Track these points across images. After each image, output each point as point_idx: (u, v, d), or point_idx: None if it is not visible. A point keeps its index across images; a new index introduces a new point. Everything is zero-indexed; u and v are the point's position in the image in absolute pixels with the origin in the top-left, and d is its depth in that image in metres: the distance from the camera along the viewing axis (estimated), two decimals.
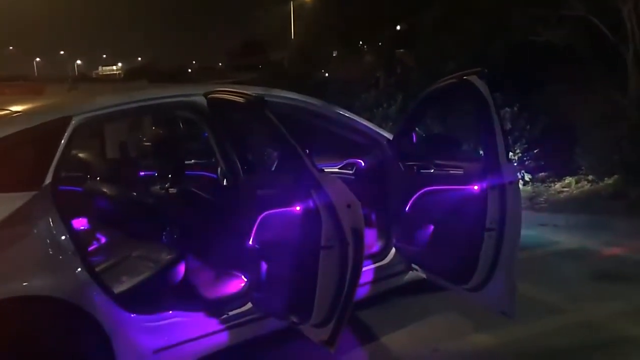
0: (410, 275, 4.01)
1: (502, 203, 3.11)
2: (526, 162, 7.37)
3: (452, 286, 3.55)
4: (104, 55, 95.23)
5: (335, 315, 2.69)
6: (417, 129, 3.95)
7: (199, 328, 3.13)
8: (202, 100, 3.24)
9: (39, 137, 2.76)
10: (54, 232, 2.65)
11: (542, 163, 7.43)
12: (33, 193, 2.63)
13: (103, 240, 3.85)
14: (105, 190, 3.96)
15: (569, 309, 4.02)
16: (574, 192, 6.86)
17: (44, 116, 2.83)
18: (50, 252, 2.62)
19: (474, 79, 3.08)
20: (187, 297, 3.27)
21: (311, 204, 2.56)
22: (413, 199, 3.75)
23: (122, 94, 3.22)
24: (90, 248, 3.70)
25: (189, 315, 3.12)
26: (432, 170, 3.62)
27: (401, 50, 12.37)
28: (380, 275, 3.92)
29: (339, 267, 2.63)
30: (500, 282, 3.20)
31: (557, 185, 7.13)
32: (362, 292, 3.79)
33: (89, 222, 4.02)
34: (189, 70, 50.89)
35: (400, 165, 3.86)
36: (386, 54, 12.41)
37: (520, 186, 7.03)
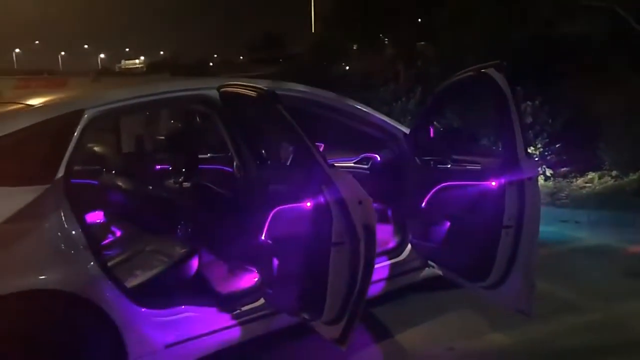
0: (427, 272, 3.96)
1: (521, 200, 3.03)
2: (547, 157, 7.23)
3: (469, 284, 3.48)
4: (127, 49, 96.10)
5: (347, 312, 2.64)
6: (435, 123, 3.87)
7: (210, 323, 3.12)
8: (215, 94, 3.21)
9: (51, 131, 2.75)
10: (66, 225, 2.64)
11: (564, 158, 7.29)
12: (45, 187, 2.63)
13: (118, 233, 3.87)
14: (120, 183, 3.98)
15: (589, 307, 3.93)
16: (597, 187, 6.72)
17: (56, 110, 2.83)
18: (61, 246, 2.62)
19: (491, 71, 3.00)
20: (199, 292, 3.25)
21: (322, 199, 2.52)
22: (429, 194, 3.68)
23: (135, 88, 3.20)
24: (105, 242, 3.73)
25: (201, 310, 3.11)
26: (449, 166, 3.54)
27: (422, 42, 12.22)
28: (395, 271, 3.86)
29: (350, 264, 2.59)
30: (518, 280, 3.12)
31: (580, 181, 6.99)
32: (376, 288, 3.77)
33: (104, 215, 4.03)
34: (211, 64, 51.17)
35: (417, 160, 3.79)
36: (406, 47, 12.27)
37: (541, 181, 6.96)
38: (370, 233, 2.59)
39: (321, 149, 4.64)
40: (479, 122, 6.11)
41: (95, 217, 4.07)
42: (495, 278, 3.21)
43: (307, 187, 2.60)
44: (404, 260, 3.90)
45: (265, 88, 2.79)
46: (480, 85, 3.24)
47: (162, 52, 79.25)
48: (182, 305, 3.07)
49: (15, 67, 62.08)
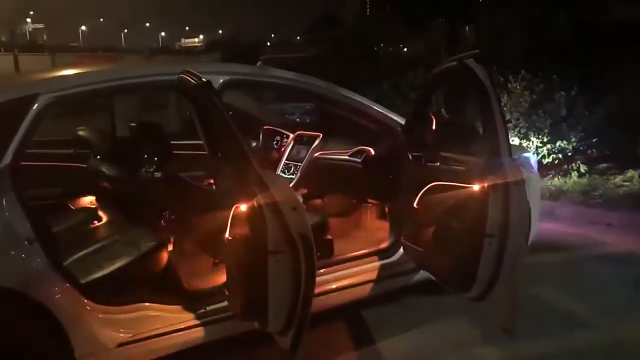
0: (422, 274, 3.69)
1: (506, 207, 2.72)
2: (582, 152, 6.73)
3: (455, 293, 3.20)
4: (187, 28, 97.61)
5: (294, 324, 2.43)
6: (433, 114, 3.55)
7: (171, 322, 2.96)
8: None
9: None
10: (7, 216, 2.52)
11: (602, 153, 6.75)
12: None
13: (95, 222, 3.77)
14: (104, 169, 3.86)
15: (601, 324, 3.57)
16: (635, 187, 6.17)
17: (5, 94, 2.70)
18: (3, 238, 2.50)
19: (471, 62, 2.68)
20: (163, 288, 3.10)
21: (256, 204, 2.30)
22: (420, 194, 3.40)
23: (99, 72, 3.05)
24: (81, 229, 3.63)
25: (162, 308, 2.96)
26: (437, 164, 3.24)
27: (465, 26, 11.66)
28: (386, 273, 3.63)
29: (291, 274, 2.37)
30: (501, 295, 2.82)
31: (617, 179, 6.45)
32: (364, 290, 3.57)
33: (80, 202, 3.96)
34: (268, 43, 51.31)
35: (409, 155, 3.51)
36: (448, 30, 11.73)
37: (575, 178, 6.48)
38: (307, 242, 2.35)
39: (319, 140, 4.45)
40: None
41: (73, 203, 4.01)
42: (477, 291, 2.92)
43: (242, 190, 2.38)
44: (396, 261, 3.65)
45: (202, 78, 2.56)
46: (462, 77, 2.92)
47: (220, 31, 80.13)
48: (142, 302, 2.93)
49: (81, 44, 64.12)
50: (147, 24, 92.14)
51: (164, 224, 3.75)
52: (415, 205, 3.44)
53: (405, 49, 15.58)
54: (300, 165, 4.43)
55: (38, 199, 4.05)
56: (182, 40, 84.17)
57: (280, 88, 3.66)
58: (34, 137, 2.72)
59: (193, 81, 2.56)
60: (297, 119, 6.58)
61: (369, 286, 3.59)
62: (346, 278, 3.52)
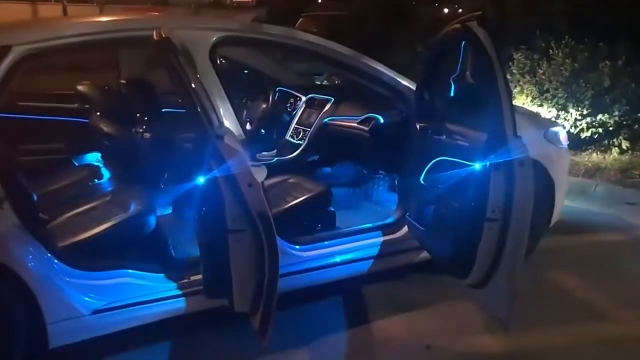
0: (427, 253, 3.46)
1: (509, 189, 2.45)
2: (625, 127, 6.24)
3: (452, 278, 2.97)
4: None
5: (261, 305, 2.26)
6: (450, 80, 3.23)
7: (151, 291, 2.84)
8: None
9: None
10: None
11: None
12: None
13: (92, 179, 3.67)
14: (103, 126, 3.74)
15: (620, 316, 3.29)
16: None
17: None
18: None
19: (473, 25, 2.37)
20: (146, 254, 2.98)
21: (213, 178, 2.10)
22: (426, 169, 3.14)
23: (78, 24, 2.87)
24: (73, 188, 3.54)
25: (143, 275, 2.84)
26: (443, 137, 2.97)
27: None
28: (389, 249, 3.42)
29: (253, 253, 2.18)
30: (500, 284, 2.58)
31: None
32: (363, 266, 3.39)
33: (84, 159, 3.86)
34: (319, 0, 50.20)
35: (417, 126, 3.24)
36: None
37: (615, 154, 6.04)
38: (266, 221, 2.15)
39: (330, 104, 4.20)
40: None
41: (78, 159, 3.92)
42: (476, 278, 2.68)
43: (200, 161, 2.19)
44: (400, 237, 3.44)
45: (162, 32, 2.34)
46: (466, 41, 2.61)
47: None
48: (122, 268, 2.82)
49: None
50: None
51: (162, 186, 3.63)
52: (421, 180, 3.20)
53: (446, 10, 14.85)
54: (309, 131, 4.20)
55: (42, 154, 4.03)
56: None
57: (286, 48, 3.43)
58: (6, 91, 2.58)
59: (154, 38, 2.34)
60: (325, 80, 6.33)
61: (371, 261, 3.40)
62: (347, 252, 3.34)
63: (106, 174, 3.77)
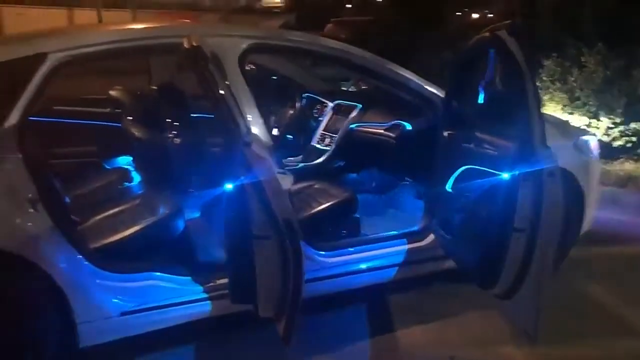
0: (453, 262, 3.44)
1: (537, 200, 2.42)
2: None
3: (478, 288, 2.94)
4: None
5: (286, 312, 2.28)
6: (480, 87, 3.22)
7: (179, 294, 2.89)
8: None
9: (3, 75, 2.58)
10: (10, 176, 2.48)
11: None
12: None
13: (122, 182, 3.74)
14: (134, 131, 3.80)
15: None
16: None
17: (11, 52, 2.64)
18: (1, 198, 2.46)
19: (502, 34, 2.36)
20: (175, 257, 3.02)
21: (241, 184, 2.13)
22: (453, 177, 3.12)
23: (112, 32, 2.94)
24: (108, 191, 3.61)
25: (171, 278, 2.88)
26: (472, 145, 2.95)
27: None
28: (414, 257, 3.41)
29: (279, 259, 2.20)
30: (527, 295, 2.55)
31: None
32: (388, 274, 3.40)
33: (116, 162, 3.93)
34: (349, 5, 50.18)
35: (446, 133, 3.22)
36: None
37: None
38: (291, 228, 2.17)
39: (356, 111, 4.21)
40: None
41: (109, 163, 3.99)
42: (502, 289, 2.66)
43: (228, 167, 2.22)
44: (426, 246, 3.42)
45: (192, 41, 2.37)
46: (495, 50, 2.60)
47: None
48: (151, 270, 2.87)
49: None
50: None
51: (191, 191, 3.67)
52: (448, 188, 3.18)
53: (476, 15, 14.81)
54: (335, 137, 4.22)
55: (75, 157, 4.12)
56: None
57: (313, 55, 3.46)
58: (42, 96, 2.66)
59: (185, 46, 2.39)
60: (352, 86, 6.34)
61: (396, 269, 3.40)
62: (372, 259, 3.34)
63: (136, 177, 3.85)
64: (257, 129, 2.85)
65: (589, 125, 6.12)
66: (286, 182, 2.27)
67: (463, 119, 3.11)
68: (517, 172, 2.46)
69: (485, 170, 2.84)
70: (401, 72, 3.42)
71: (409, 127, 3.64)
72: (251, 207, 2.19)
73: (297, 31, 3.41)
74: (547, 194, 2.41)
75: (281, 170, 2.30)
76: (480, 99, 2.91)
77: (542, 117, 2.41)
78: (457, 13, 16.57)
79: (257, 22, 33.60)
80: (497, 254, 2.61)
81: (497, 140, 2.77)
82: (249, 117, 2.78)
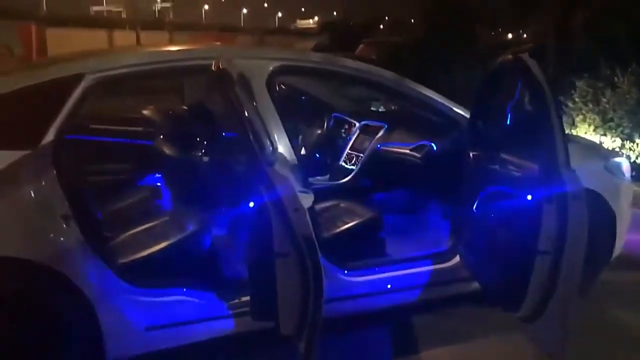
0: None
1: (562, 222, 2.40)
2: None
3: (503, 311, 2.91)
4: (302, 9, 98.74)
5: (305, 329, 2.30)
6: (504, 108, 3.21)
7: (204, 310, 2.94)
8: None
9: (41, 95, 2.69)
10: (44, 192, 2.58)
11: None
12: (25, 152, 2.58)
13: (152, 201, 3.83)
14: (165, 149, 3.90)
15: None
16: None
17: (51, 73, 2.76)
18: (35, 213, 2.56)
19: (525, 56, 2.37)
20: (201, 273, 3.07)
21: (262, 203, 2.18)
22: (479, 198, 3.11)
23: (145, 54, 3.05)
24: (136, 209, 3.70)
25: (197, 294, 2.94)
26: (496, 166, 2.94)
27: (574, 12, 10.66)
28: (440, 279, 3.39)
29: (300, 277, 2.23)
30: (552, 318, 2.52)
31: None
32: (412, 295, 3.38)
33: (147, 180, 4.03)
34: (381, 26, 50.62)
35: (470, 154, 3.23)
36: (552, 18, 10.77)
37: None
38: (311, 245, 2.19)
39: (382, 131, 4.24)
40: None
41: (141, 180, 4.09)
42: (527, 312, 2.63)
43: (250, 187, 2.26)
44: (451, 267, 3.40)
45: (221, 64, 2.45)
46: (517, 72, 2.60)
47: (334, 13, 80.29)
48: (177, 286, 2.93)
49: (204, 21, 66.86)
50: (265, 5, 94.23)
51: (219, 208, 3.73)
52: (474, 209, 3.18)
53: (509, 35, 14.76)
54: (362, 157, 4.25)
55: (108, 174, 4.24)
56: (298, 21, 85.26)
57: (340, 77, 3.51)
58: (78, 116, 2.77)
59: (213, 68, 2.46)
60: (382, 106, 6.38)
61: (420, 290, 3.38)
62: (397, 279, 3.34)
63: (167, 194, 3.94)
64: (283, 148, 2.92)
65: (622, 147, 6.02)
66: (307, 201, 2.31)
67: (488, 140, 3.11)
68: (541, 194, 2.45)
69: (510, 191, 2.83)
70: (426, 93, 3.45)
71: (434, 147, 3.64)
72: (272, 224, 2.23)
73: (326, 53, 3.44)
74: (572, 217, 2.39)
75: (303, 190, 2.34)
76: (505, 121, 2.91)
77: (566, 139, 2.41)
78: (491, 33, 16.52)
79: (291, 44, 34.37)
80: (521, 276, 2.59)
81: (521, 161, 2.76)
82: (276, 137, 2.85)
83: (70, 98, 2.71)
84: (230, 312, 2.95)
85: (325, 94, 4.89)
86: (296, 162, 2.93)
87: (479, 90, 3.10)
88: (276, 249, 2.22)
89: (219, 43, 4.38)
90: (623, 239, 3.83)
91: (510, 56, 2.60)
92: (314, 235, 2.23)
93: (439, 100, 3.47)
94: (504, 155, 2.90)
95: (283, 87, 4.95)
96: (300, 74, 3.76)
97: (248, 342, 3.05)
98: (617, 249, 3.78)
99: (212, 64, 2.59)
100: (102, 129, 4.28)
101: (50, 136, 2.65)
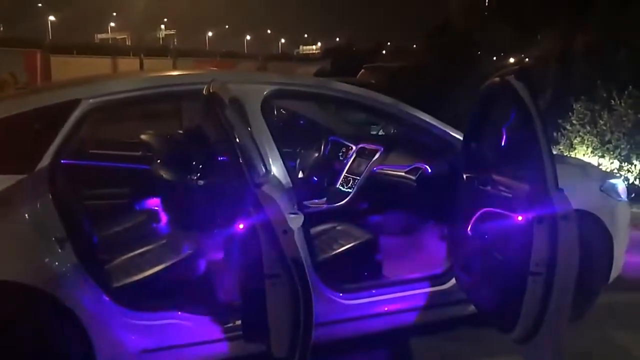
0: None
1: (552, 243, 2.41)
2: None
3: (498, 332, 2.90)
4: (305, 35, 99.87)
5: (297, 352, 2.29)
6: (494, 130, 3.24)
7: (198, 333, 2.93)
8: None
9: (38, 120, 2.73)
10: (39, 216, 2.60)
11: None
12: (21, 176, 2.61)
13: (151, 224, 3.85)
14: (162, 174, 3.93)
15: None
16: None
17: (47, 99, 2.81)
18: (29, 236, 2.58)
19: (511, 79, 2.40)
20: (195, 297, 3.08)
21: (250, 224, 2.19)
22: (473, 219, 3.12)
23: (139, 79, 3.10)
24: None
25: (191, 318, 2.93)
26: (488, 188, 2.96)
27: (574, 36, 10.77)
28: (436, 301, 3.38)
29: (290, 299, 2.24)
30: (545, 341, 2.51)
31: None
32: (410, 317, 3.37)
33: (145, 204, 4.05)
34: (383, 51, 51.10)
35: (464, 176, 3.24)
36: (558, 40, 10.87)
37: None
38: (299, 267, 2.20)
39: (379, 154, 4.26)
40: None
41: (139, 204, 4.12)
42: (520, 333, 2.62)
43: (241, 209, 2.29)
44: (448, 289, 3.40)
45: (211, 88, 2.48)
46: (505, 95, 2.63)
47: (337, 39, 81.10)
48: (172, 310, 2.93)
49: (208, 48, 67.73)
50: (269, 31, 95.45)
51: (215, 231, 3.75)
52: (468, 231, 3.18)
53: (511, 60, 14.85)
54: (358, 179, 4.28)
55: (107, 198, 4.27)
56: (301, 47, 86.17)
57: (334, 100, 3.56)
58: (74, 140, 2.80)
59: (204, 92, 2.50)
60: (381, 130, 6.42)
61: (417, 313, 3.37)
62: (393, 302, 3.33)
63: (164, 218, 3.96)
64: (277, 171, 2.95)
65: (620, 169, 6.03)
66: (296, 222, 2.33)
67: (481, 162, 3.13)
68: (530, 215, 2.46)
69: (502, 213, 2.84)
70: (420, 116, 3.48)
71: (429, 170, 3.66)
72: (262, 246, 2.24)
73: (323, 77, 3.49)
74: (562, 237, 2.39)
75: (293, 211, 2.35)
76: (496, 142, 2.93)
77: (554, 159, 2.42)
78: (493, 57, 16.62)
79: (293, 69, 34.73)
80: (514, 297, 2.58)
81: (512, 182, 2.78)
82: (270, 160, 2.88)
83: (66, 123, 2.75)
84: (225, 335, 2.95)
85: (323, 118, 4.94)
86: (290, 184, 2.95)
87: (472, 112, 3.13)
88: (266, 270, 2.23)
89: (215, 68, 4.44)
90: (622, 260, 3.81)
91: (497, 78, 2.64)
92: (302, 257, 2.24)
93: (433, 123, 3.50)
94: (495, 177, 2.91)
95: (282, 111, 5.02)
96: (294, 97, 3.81)
97: None
98: (616, 271, 3.76)
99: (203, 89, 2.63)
100: (99, 154, 4.33)
101: (46, 160, 2.68)
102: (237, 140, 2.32)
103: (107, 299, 2.75)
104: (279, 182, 2.68)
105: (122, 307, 2.79)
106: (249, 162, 2.33)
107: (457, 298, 3.39)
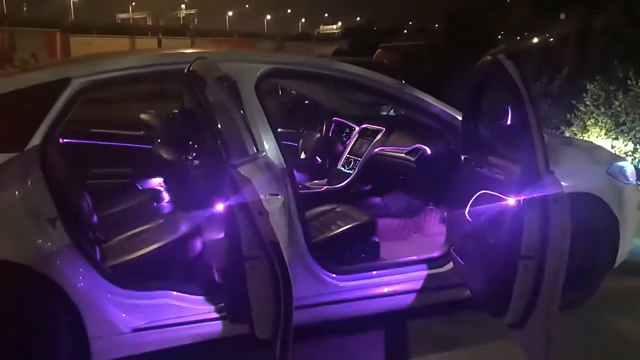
0: None
1: (544, 227, 2.34)
2: None
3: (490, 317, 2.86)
4: (326, 14, 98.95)
5: (279, 334, 2.28)
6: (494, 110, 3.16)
7: (191, 313, 2.93)
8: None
9: (28, 99, 2.73)
10: (30, 194, 2.60)
11: None
12: (11, 154, 2.61)
13: (152, 204, 3.86)
14: (162, 153, 3.93)
15: None
16: None
17: (37, 77, 2.80)
18: (20, 215, 2.58)
19: (502, 58, 2.32)
20: (188, 276, 3.08)
21: (228, 206, 2.17)
22: (470, 202, 3.06)
23: (131, 58, 3.07)
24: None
25: (184, 297, 2.93)
26: (484, 169, 2.89)
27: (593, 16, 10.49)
28: (433, 284, 3.34)
29: (269, 280, 2.21)
30: (536, 325, 2.46)
31: None
32: (407, 300, 3.33)
33: (148, 183, 4.06)
34: (405, 31, 50.50)
35: (462, 157, 3.18)
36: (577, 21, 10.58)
37: None
38: (276, 249, 2.17)
39: (381, 134, 4.20)
40: None
41: (142, 184, 4.13)
42: (512, 318, 2.57)
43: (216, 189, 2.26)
44: (446, 272, 3.35)
45: (192, 67, 2.44)
46: (496, 75, 2.55)
47: (358, 18, 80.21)
48: (164, 288, 2.93)
49: (228, 28, 67.63)
50: (289, 10, 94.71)
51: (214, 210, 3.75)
52: (465, 213, 3.12)
53: (535, 39, 14.52)
54: (359, 160, 4.23)
55: (110, 178, 4.29)
56: (321, 27, 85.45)
57: (333, 80, 3.50)
58: (65, 119, 2.79)
59: (186, 70, 2.46)
60: (391, 110, 6.33)
61: (413, 295, 3.34)
62: (389, 284, 3.30)
63: (164, 198, 3.96)
64: (271, 151, 2.91)
65: (635, 151, 5.87)
66: (275, 204, 2.30)
67: (477, 143, 3.06)
68: (522, 198, 2.40)
69: (493, 195, 2.78)
70: (421, 97, 3.40)
71: (428, 151, 3.60)
72: (240, 227, 2.22)
73: (326, 58, 3.43)
74: (553, 221, 2.33)
75: (273, 192, 2.32)
76: (492, 123, 2.86)
77: (545, 142, 2.34)
78: (513, 37, 16.33)
79: (310, 49, 34.47)
80: (505, 281, 2.53)
81: (505, 164, 2.71)
82: (263, 140, 2.86)
83: (57, 102, 2.74)
84: (218, 315, 2.94)
85: (327, 98, 4.88)
86: (283, 165, 2.91)
87: (469, 92, 3.05)
88: (245, 252, 2.21)
89: (212, 48, 4.40)
90: (629, 244, 3.73)
91: (488, 57, 2.56)
92: (278, 238, 2.21)
93: (434, 103, 3.42)
94: (491, 158, 2.84)
95: (285, 90, 4.98)
96: (291, 77, 3.75)
97: (236, 345, 3.04)
98: (622, 255, 3.68)
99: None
100: (106, 133, 4.35)
101: (37, 139, 2.67)
102: (215, 119, 2.28)
103: (100, 277, 2.75)
104: (268, 163, 2.65)
105: (115, 286, 2.80)
106: (226, 142, 2.30)
107: (455, 281, 3.35)
